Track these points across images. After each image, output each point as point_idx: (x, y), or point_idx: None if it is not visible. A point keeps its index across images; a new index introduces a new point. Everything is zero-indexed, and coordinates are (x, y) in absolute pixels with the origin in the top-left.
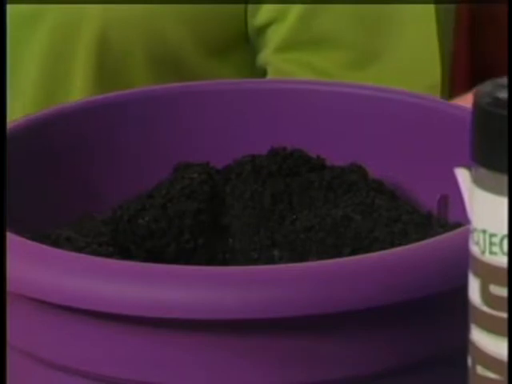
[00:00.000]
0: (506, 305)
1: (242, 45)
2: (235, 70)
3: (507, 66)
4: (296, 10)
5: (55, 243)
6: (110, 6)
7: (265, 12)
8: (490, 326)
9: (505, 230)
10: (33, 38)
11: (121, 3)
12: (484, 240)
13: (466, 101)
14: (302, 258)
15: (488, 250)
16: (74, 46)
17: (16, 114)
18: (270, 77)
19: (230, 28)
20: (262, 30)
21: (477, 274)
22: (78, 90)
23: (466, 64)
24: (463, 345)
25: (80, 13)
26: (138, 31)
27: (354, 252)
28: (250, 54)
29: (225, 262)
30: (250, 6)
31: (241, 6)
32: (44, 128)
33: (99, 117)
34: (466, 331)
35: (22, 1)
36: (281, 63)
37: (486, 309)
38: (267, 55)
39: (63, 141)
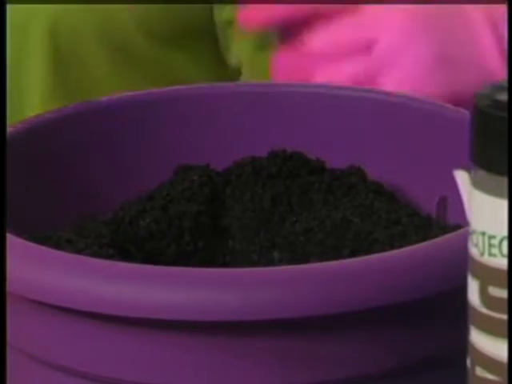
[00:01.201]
0: (504, 306)
1: (202, 37)
2: (192, 62)
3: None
4: None
5: (56, 245)
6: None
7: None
8: (488, 327)
9: (504, 232)
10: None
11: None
12: (483, 242)
13: None
14: (301, 259)
15: (487, 252)
16: (28, 40)
17: None
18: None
19: (184, 19)
20: (228, 27)
21: (476, 276)
22: (36, 81)
23: None
24: (462, 346)
25: (30, 10)
26: (87, 23)
27: (353, 254)
28: (210, 47)
29: (225, 264)
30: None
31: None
32: (45, 130)
33: (100, 119)
34: (465, 332)
35: (22, 1)
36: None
37: (484, 310)
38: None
39: (64, 143)
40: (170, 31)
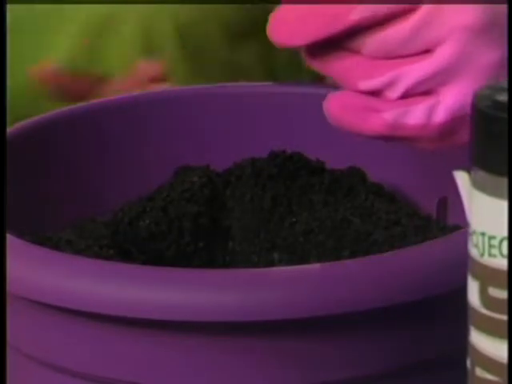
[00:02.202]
0: (504, 307)
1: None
2: (255, 58)
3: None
4: None
5: (56, 246)
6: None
7: None
8: (488, 328)
9: (504, 233)
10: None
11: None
12: (483, 242)
13: None
14: (301, 260)
15: (487, 253)
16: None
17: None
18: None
19: (249, 12)
20: None
21: (476, 277)
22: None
23: None
24: (462, 347)
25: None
26: (165, 15)
27: (353, 255)
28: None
29: (225, 265)
30: None
31: None
32: (44, 131)
33: (100, 120)
34: (465, 333)
35: (24, 0)
36: None
37: (484, 311)
38: None
39: (64, 144)
40: (244, 29)
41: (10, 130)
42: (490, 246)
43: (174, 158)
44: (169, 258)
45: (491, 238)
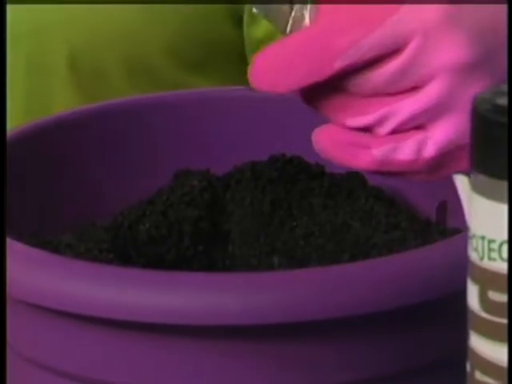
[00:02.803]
0: (504, 310)
1: (228, 59)
2: (211, 84)
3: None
4: None
5: (56, 249)
6: (76, 28)
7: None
8: (488, 331)
9: (503, 236)
10: (12, 62)
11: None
12: (483, 246)
13: None
14: (301, 264)
15: (487, 256)
16: (48, 69)
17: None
18: None
19: (208, 43)
20: (264, 43)
21: (475, 280)
22: (59, 105)
23: None
24: (462, 350)
25: (47, 38)
26: (111, 49)
27: (353, 258)
28: (237, 68)
29: (225, 269)
30: (245, 16)
31: (224, 23)
32: (44, 135)
33: (100, 124)
34: (464, 337)
35: (22, 1)
36: None
37: (484, 314)
38: None
39: (64, 148)
40: (196, 55)
41: (10, 133)
42: (490, 250)
43: (174, 162)
44: (169, 262)
45: (491, 241)
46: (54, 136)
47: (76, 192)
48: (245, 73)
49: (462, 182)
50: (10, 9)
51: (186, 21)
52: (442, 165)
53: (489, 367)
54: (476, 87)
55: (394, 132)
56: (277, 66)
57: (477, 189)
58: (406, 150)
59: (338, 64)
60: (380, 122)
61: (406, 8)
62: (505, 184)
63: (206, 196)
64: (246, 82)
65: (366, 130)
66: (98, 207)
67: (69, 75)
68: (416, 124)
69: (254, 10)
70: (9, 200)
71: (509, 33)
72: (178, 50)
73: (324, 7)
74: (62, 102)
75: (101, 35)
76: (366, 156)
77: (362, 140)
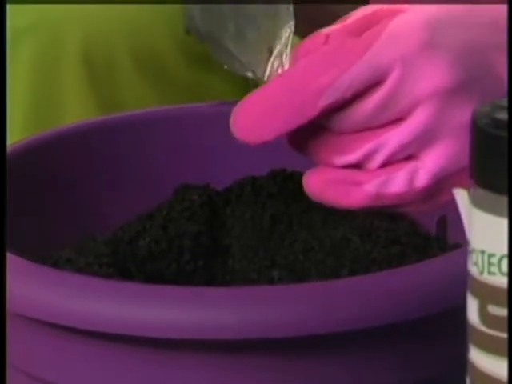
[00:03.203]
0: (504, 325)
1: None
2: (227, 82)
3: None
4: None
5: (56, 264)
6: (89, 23)
7: None
8: (488, 345)
9: (503, 251)
10: (16, 59)
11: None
12: (482, 260)
13: None
14: (301, 278)
15: (486, 270)
16: (59, 63)
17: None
18: None
19: None
20: None
21: (475, 294)
22: (70, 103)
23: None
24: (462, 364)
25: (60, 32)
26: (120, 42)
27: (352, 273)
28: None
29: (225, 283)
30: None
31: None
32: (44, 150)
33: (100, 139)
34: (464, 351)
35: (22, 1)
36: None
37: (484, 329)
38: None
39: (64, 163)
40: (206, 51)
41: (10, 148)
42: (490, 264)
43: (174, 177)
44: (169, 277)
45: (491, 255)
46: (54, 151)
47: (76, 207)
48: None
49: (461, 197)
50: (11, 6)
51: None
52: (435, 193)
53: (489, 381)
54: (463, 111)
55: (385, 165)
56: (258, 114)
57: (476, 203)
58: (398, 182)
59: (322, 103)
60: (368, 156)
61: (382, 40)
62: (504, 198)
63: (206, 211)
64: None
65: (356, 166)
66: (97, 222)
67: (81, 69)
68: (406, 154)
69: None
70: (9, 215)
71: (509, 33)
72: (188, 45)
73: (299, 50)
74: (74, 97)
75: (113, 30)
76: (359, 192)
77: (352, 177)
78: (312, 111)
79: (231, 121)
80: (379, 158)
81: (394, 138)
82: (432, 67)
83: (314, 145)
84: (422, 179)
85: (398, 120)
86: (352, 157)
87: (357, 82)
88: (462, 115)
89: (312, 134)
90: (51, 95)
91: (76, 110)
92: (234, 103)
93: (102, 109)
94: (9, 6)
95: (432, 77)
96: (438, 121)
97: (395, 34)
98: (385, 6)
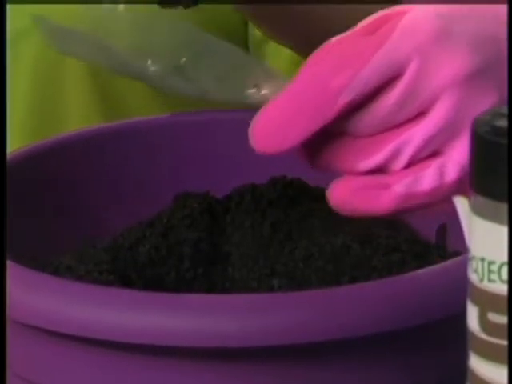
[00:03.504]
0: (504, 332)
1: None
2: None
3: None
4: None
5: (56, 271)
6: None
7: None
8: (488, 353)
9: (503, 258)
10: (17, 60)
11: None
12: (482, 268)
13: None
14: (301, 286)
15: (486, 278)
16: (61, 64)
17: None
18: None
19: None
20: (263, 42)
21: (475, 302)
22: (72, 105)
23: None
24: (462, 372)
25: None
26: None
27: (352, 280)
28: None
29: (224, 291)
30: None
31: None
32: (45, 157)
33: (100, 146)
34: (464, 358)
35: (22, 1)
36: None
37: (484, 336)
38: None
39: (65, 169)
40: None
41: (10, 155)
42: (490, 271)
43: (174, 184)
44: (169, 284)
45: (491, 263)
46: (54, 158)
47: (76, 214)
48: None
49: (461, 204)
50: (11, 7)
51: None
52: (464, 187)
53: None
54: (482, 98)
55: (410, 164)
56: (276, 124)
57: (477, 210)
58: (427, 179)
59: (341, 101)
60: (393, 157)
61: (396, 35)
62: (505, 206)
63: (206, 218)
64: None
65: (380, 170)
66: (97, 229)
67: (83, 71)
68: (430, 151)
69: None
70: (9, 222)
71: (509, 33)
72: None
73: (311, 57)
74: (75, 98)
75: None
76: (389, 195)
77: (379, 181)
78: (331, 111)
79: (250, 133)
80: (404, 158)
81: (417, 134)
82: (449, 55)
83: (332, 154)
84: (452, 172)
85: (419, 115)
86: (375, 160)
87: (375, 77)
88: (482, 103)
89: (329, 143)
90: (53, 96)
91: (77, 112)
92: (234, 111)
93: (104, 111)
94: (9, 7)
95: (450, 64)
96: (460, 111)
97: (409, 27)
98: (390, 10)
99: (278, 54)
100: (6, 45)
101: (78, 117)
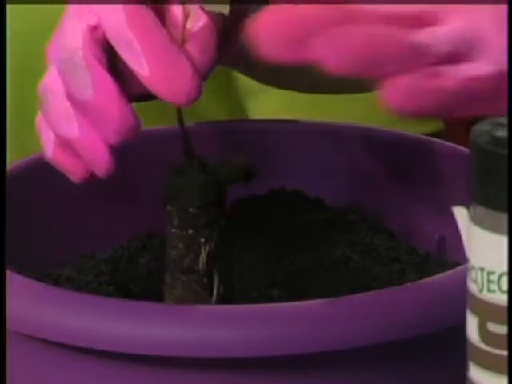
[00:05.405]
0: (504, 342)
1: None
2: (215, 97)
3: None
4: None
5: (56, 282)
6: None
7: None
8: (488, 363)
9: (503, 268)
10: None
11: None
12: (482, 278)
13: None
14: (300, 297)
15: (486, 288)
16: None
17: None
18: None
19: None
20: None
21: (475, 312)
22: None
23: None
24: (462, 382)
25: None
26: None
27: (352, 291)
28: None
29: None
30: None
31: None
32: (45, 167)
33: None
34: (464, 369)
35: (22, 1)
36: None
37: (484, 346)
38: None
39: (64, 181)
40: None
41: (11, 165)
42: (489, 282)
43: None
44: None
45: (490, 273)
46: (53, 169)
47: (76, 225)
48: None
49: (461, 214)
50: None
51: None
52: (502, 90)
53: None
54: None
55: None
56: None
57: (476, 220)
58: (481, 65)
59: None
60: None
61: None
62: (504, 216)
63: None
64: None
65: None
66: (97, 240)
67: None
68: (464, 47)
69: None
70: (9, 232)
71: (509, 33)
72: None
73: None
74: None
75: None
76: (448, 78)
77: (430, 71)
78: None
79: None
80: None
81: (445, 30)
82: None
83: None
84: (497, 61)
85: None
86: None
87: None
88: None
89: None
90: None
91: None
92: (234, 121)
93: None
94: (9, 6)
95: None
96: (476, 25)
97: None
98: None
99: None
100: (6, 45)
101: None
